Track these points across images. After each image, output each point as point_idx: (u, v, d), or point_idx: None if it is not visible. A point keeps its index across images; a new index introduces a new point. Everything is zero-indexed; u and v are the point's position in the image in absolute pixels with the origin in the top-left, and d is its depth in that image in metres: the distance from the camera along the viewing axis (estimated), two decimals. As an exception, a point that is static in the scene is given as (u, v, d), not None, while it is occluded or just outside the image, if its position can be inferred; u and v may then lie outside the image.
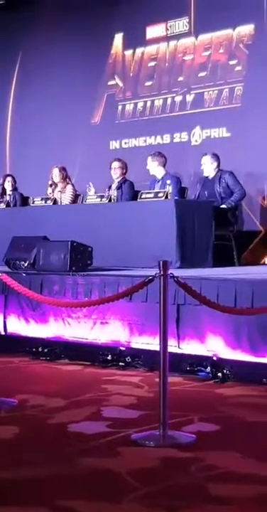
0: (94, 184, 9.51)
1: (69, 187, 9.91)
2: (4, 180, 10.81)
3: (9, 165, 12.17)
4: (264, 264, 8.99)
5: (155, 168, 9.13)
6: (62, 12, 11.96)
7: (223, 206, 8.62)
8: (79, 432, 4.32)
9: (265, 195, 9.50)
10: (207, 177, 8.95)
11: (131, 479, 3.46)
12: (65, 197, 9.82)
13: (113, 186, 9.35)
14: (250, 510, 3.09)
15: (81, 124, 11.42)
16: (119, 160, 9.59)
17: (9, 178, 10.82)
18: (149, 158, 9.19)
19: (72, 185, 9.98)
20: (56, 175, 9.94)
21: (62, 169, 9.96)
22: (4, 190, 10.74)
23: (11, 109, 12.46)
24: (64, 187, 9.89)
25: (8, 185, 10.74)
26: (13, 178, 10.87)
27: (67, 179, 9.98)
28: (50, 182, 9.97)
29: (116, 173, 9.48)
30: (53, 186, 9.87)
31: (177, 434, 4.21)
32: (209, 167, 8.93)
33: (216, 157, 8.94)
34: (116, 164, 9.53)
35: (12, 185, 10.76)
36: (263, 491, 3.30)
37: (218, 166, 8.90)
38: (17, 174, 11.20)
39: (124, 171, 9.49)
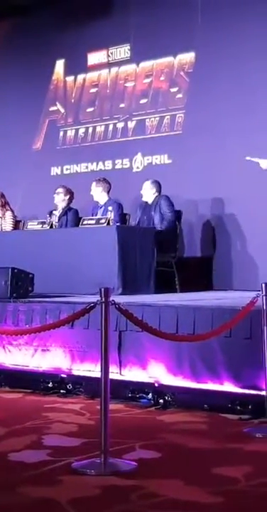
0: (33, 212, 9.50)
1: (8, 213, 9.86)
2: None
3: None
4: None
5: (98, 194, 9.17)
6: (5, 37, 11.97)
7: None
8: (19, 460, 4.28)
9: (205, 220, 9.60)
10: (147, 202, 9.05)
11: (72, 509, 3.43)
12: (6, 223, 9.77)
13: (56, 213, 9.33)
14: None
15: (22, 149, 11.40)
16: (64, 187, 9.60)
17: None
18: (93, 183, 9.24)
19: (12, 211, 9.94)
20: (-5, 201, 9.90)
21: (1, 195, 9.92)
22: None
23: None
24: (4, 213, 9.84)
25: None
26: None
27: (7, 205, 9.93)
28: None
29: (59, 200, 9.47)
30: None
31: (118, 461, 4.19)
32: (148, 192, 9.03)
33: (156, 183, 9.06)
34: (59, 190, 9.55)
35: None
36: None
37: (158, 191, 8.99)
38: None
39: (68, 197, 9.50)
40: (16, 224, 9.88)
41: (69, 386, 6.39)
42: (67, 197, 9.52)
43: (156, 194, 9.01)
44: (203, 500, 3.54)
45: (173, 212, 8.92)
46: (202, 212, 9.62)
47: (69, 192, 9.54)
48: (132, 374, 6.04)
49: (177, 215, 9.06)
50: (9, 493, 3.68)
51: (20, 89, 11.49)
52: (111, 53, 10.75)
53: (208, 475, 3.96)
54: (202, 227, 9.64)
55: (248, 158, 8.72)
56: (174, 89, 10.12)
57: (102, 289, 4.35)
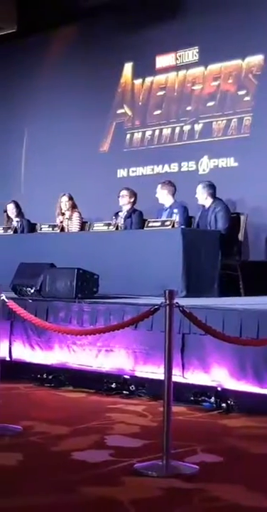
0: (99, 213, 9.58)
1: (76, 215, 9.98)
2: (6, 207, 10.80)
3: (23, 193, 12.19)
4: None
5: (164, 197, 9.15)
6: (74, 41, 12.09)
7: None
8: (82, 460, 4.33)
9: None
10: (204, 206, 8.97)
11: (133, 509, 3.46)
12: (72, 224, 9.88)
13: (122, 214, 9.39)
14: None
15: (89, 152, 11.48)
16: (128, 189, 9.63)
17: (12, 205, 10.79)
18: (159, 186, 9.21)
19: (79, 213, 10.04)
20: (64, 203, 10.02)
21: (70, 197, 10.04)
22: (8, 217, 10.76)
23: (25, 143, 12.51)
24: (72, 215, 9.96)
25: (11, 211, 10.74)
26: (17, 204, 10.83)
27: (75, 207, 10.05)
28: (57, 210, 10.05)
29: (124, 202, 9.52)
30: (62, 214, 9.95)
31: (180, 464, 4.20)
32: (201, 196, 8.90)
33: (208, 186, 8.89)
34: (124, 192, 9.56)
35: (16, 211, 10.75)
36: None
37: (212, 195, 8.84)
38: (28, 201, 11.26)
39: (133, 199, 9.53)
40: (83, 225, 9.97)
41: (132, 387, 6.42)
42: (132, 199, 9.55)
43: (209, 198, 8.86)
44: (263, 505, 3.52)
45: (229, 216, 8.78)
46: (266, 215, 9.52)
47: (134, 194, 9.57)
48: (195, 377, 6.03)
49: (237, 218, 8.98)
50: (71, 492, 3.72)
51: (88, 92, 11.57)
52: (180, 56, 10.74)
53: (270, 481, 3.95)
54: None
55: None
56: (242, 92, 10.05)
57: (167, 291, 4.36)
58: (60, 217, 9.99)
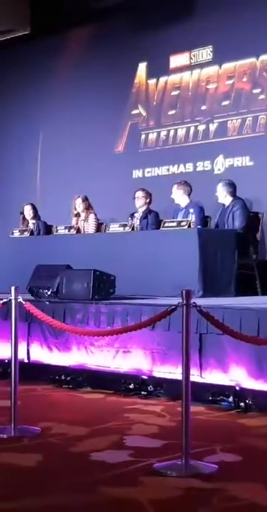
0: (114, 214, 9.60)
1: (92, 216, 10.01)
2: (23, 209, 10.85)
3: (39, 195, 12.23)
4: None
5: (180, 197, 9.16)
6: (88, 42, 12.11)
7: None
8: (101, 460, 4.34)
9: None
10: (224, 204, 8.97)
11: (153, 509, 3.47)
12: (88, 226, 9.90)
13: (137, 215, 9.38)
14: None
15: (105, 153, 11.49)
16: (143, 190, 9.64)
17: (28, 207, 10.82)
18: (174, 186, 9.22)
19: (95, 214, 10.06)
20: (79, 204, 10.05)
21: (85, 199, 10.08)
22: (25, 218, 10.80)
23: (40, 146, 12.55)
24: (87, 216, 9.99)
25: (28, 214, 10.78)
26: (33, 206, 10.86)
27: (90, 208, 10.08)
28: (74, 211, 10.08)
29: (139, 203, 9.53)
30: (77, 216, 9.99)
31: (199, 463, 4.21)
32: (220, 194, 8.92)
33: (228, 185, 8.90)
34: (139, 194, 9.58)
35: (32, 213, 10.78)
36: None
37: (231, 194, 8.86)
38: (44, 203, 11.30)
39: (148, 200, 9.54)
40: (99, 226, 9.99)
41: (150, 388, 6.43)
42: (148, 200, 9.56)
43: (228, 196, 8.88)
44: (284, 504, 3.53)
45: (247, 215, 8.79)
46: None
47: (149, 194, 9.58)
48: (213, 377, 6.03)
49: (255, 217, 8.97)
50: (91, 492, 3.74)
51: (102, 93, 11.57)
52: (194, 55, 10.72)
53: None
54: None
55: None
56: (256, 91, 10.02)
57: (183, 292, 4.37)
58: (75, 219, 10.02)
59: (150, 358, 6.49)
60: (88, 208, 10.07)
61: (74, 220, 10.02)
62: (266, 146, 9.72)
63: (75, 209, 10.12)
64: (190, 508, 3.53)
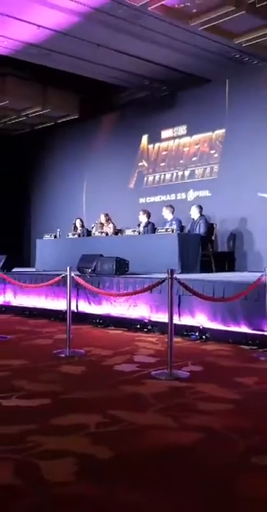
0: (128, 224, 9.54)
1: (111, 225, 9.97)
2: (75, 221, 10.84)
3: (84, 213, 12.16)
4: None
5: (167, 214, 9.14)
6: (112, 123, 12.04)
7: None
8: (120, 370, 4.33)
9: (230, 229, 9.44)
10: (194, 219, 8.94)
11: (151, 399, 3.45)
12: (110, 231, 9.85)
13: (142, 225, 9.36)
14: (224, 418, 3.07)
15: (122, 188, 11.45)
16: (145, 210, 9.60)
17: (78, 220, 10.79)
18: (164, 208, 9.24)
19: (113, 223, 10.02)
20: (103, 218, 10.03)
21: (106, 214, 10.06)
22: (76, 227, 10.78)
23: (85, 184, 12.48)
24: (108, 225, 9.95)
25: (78, 224, 10.76)
26: (81, 219, 10.83)
27: (109, 220, 10.05)
28: (100, 222, 10.05)
29: (143, 218, 9.49)
30: (102, 225, 9.97)
31: (178, 372, 4.19)
32: (193, 212, 8.94)
33: (199, 207, 8.92)
34: (143, 212, 9.55)
35: (80, 224, 10.75)
36: (229, 407, 3.28)
37: (200, 212, 8.88)
38: (86, 218, 11.26)
39: (148, 216, 9.49)
40: (117, 231, 9.94)
41: (150, 327, 6.42)
42: (148, 216, 9.47)
43: (198, 214, 8.89)
44: (229, 396, 3.51)
45: (207, 225, 8.78)
46: (227, 224, 9.45)
47: (149, 213, 9.52)
48: (186, 320, 6.02)
49: (212, 226, 8.91)
50: (114, 389, 3.73)
51: (121, 154, 11.51)
52: (175, 131, 10.63)
53: (231, 381, 3.92)
54: (228, 234, 9.48)
55: (260, 194, 8.54)
56: (212, 151, 9.96)
57: (169, 270, 4.34)
58: (99, 228, 9.97)
59: (149, 309, 6.48)
60: (108, 220, 10.03)
61: (100, 227, 9.98)
62: (218, 185, 9.68)
63: (100, 221, 10.08)
64: (172, 397, 3.51)
